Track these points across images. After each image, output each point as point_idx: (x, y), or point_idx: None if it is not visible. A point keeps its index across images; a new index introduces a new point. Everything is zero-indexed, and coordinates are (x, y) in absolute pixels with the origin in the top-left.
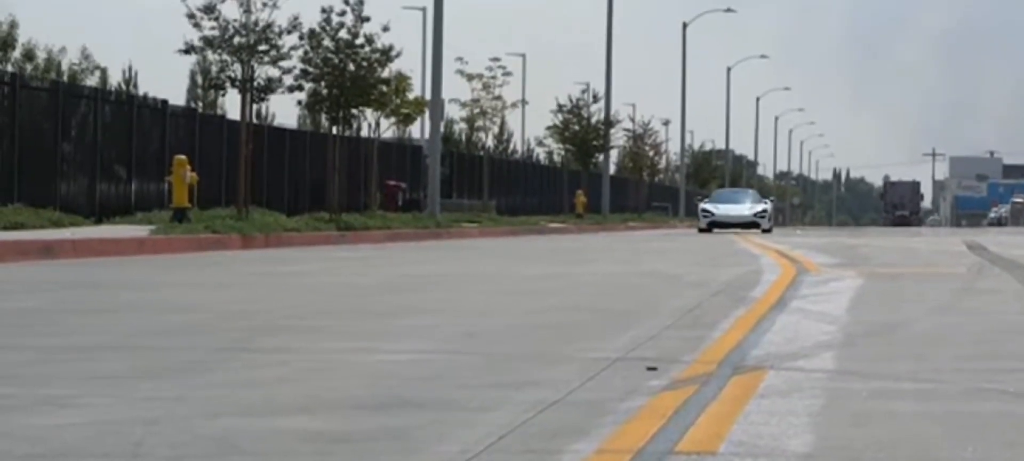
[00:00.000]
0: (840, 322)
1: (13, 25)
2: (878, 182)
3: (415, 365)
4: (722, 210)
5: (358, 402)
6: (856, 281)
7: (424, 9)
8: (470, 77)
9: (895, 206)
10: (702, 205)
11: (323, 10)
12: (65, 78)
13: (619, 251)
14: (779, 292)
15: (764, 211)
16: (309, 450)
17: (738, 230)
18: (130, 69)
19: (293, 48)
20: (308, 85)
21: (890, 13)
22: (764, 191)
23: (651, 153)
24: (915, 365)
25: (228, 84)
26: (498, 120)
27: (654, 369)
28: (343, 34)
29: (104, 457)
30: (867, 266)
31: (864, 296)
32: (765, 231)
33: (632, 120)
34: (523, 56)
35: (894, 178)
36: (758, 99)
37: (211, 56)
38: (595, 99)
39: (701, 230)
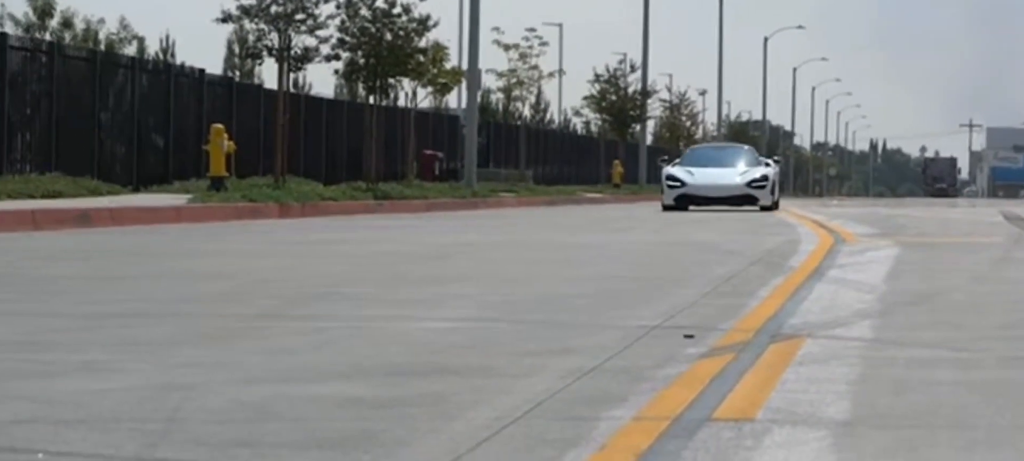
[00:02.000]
0: (877, 291)
1: None
2: (915, 153)
3: (452, 332)
4: (699, 177)
5: (396, 369)
6: (893, 250)
7: None
8: (507, 47)
9: (934, 179)
10: (668, 170)
11: None
12: (103, 47)
13: (656, 220)
14: (816, 261)
15: (763, 179)
16: (347, 416)
17: (723, 207)
18: (167, 38)
19: (330, 17)
20: (345, 54)
21: None
22: (799, 162)
23: (688, 123)
24: (953, 333)
25: (265, 53)
26: (535, 90)
27: (691, 337)
28: (380, 3)
29: (143, 422)
30: (904, 236)
31: (901, 265)
32: (765, 208)
33: (669, 90)
34: (560, 26)
35: (932, 154)
36: (795, 70)
37: (248, 25)
38: (632, 69)
39: (666, 207)
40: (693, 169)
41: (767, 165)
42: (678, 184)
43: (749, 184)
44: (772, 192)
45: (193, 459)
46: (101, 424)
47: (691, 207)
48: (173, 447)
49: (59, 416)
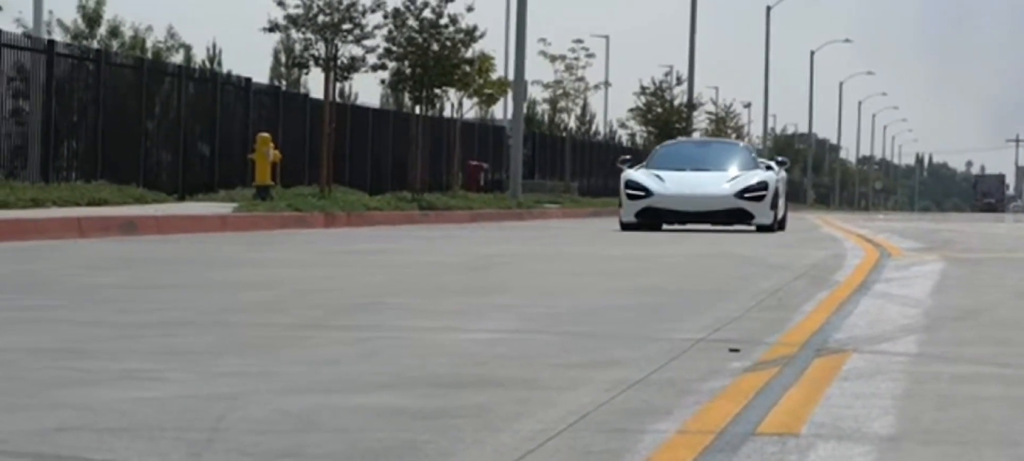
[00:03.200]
0: (923, 306)
1: (99, 2)
2: (961, 168)
3: (496, 344)
4: (672, 184)
5: (439, 380)
6: (939, 265)
7: None
8: (553, 58)
9: (984, 194)
10: (630, 174)
11: None
12: (150, 56)
13: (700, 233)
14: (862, 275)
15: (760, 187)
16: (390, 426)
17: (704, 226)
18: (214, 47)
19: (377, 27)
20: (392, 64)
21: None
22: (845, 176)
23: (733, 136)
24: (998, 349)
25: (312, 62)
26: (580, 101)
27: (737, 350)
28: (427, 14)
29: (187, 431)
30: (950, 251)
31: (947, 280)
32: (764, 228)
33: (714, 103)
34: (606, 38)
35: (978, 169)
36: (841, 83)
37: (295, 34)
38: (678, 81)
39: (626, 225)
40: (664, 173)
41: (768, 169)
42: (642, 193)
43: (741, 194)
44: (774, 205)
45: None
46: (145, 432)
47: (662, 225)
48: (217, 456)
49: (103, 424)
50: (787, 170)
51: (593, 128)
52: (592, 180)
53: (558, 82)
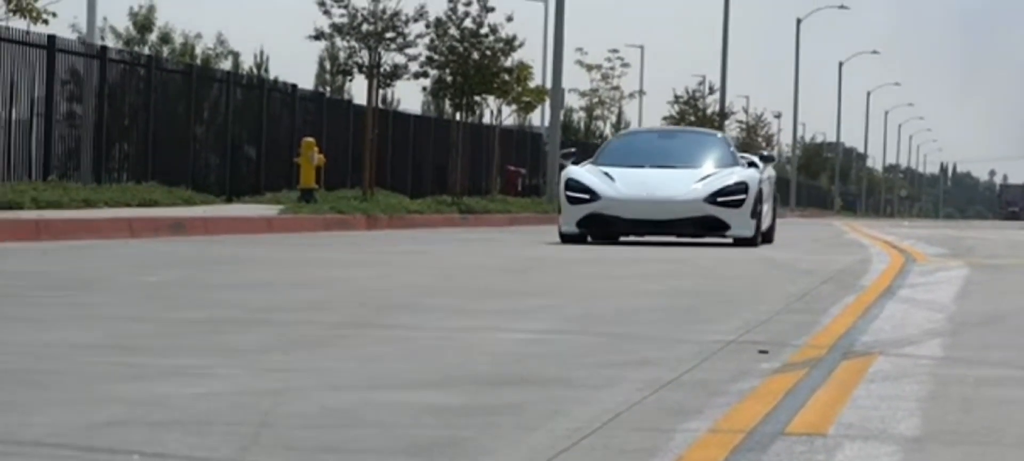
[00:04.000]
0: (947, 310)
1: (151, 9)
2: (984, 177)
3: (534, 344)
4: (624, 185)
5: (479, 378)
6: (962, 271)
7: (546, 1)
8: (589, 67)
9: (1007, 203)
10: (572, 172)
11: (449, 1)
12: (199, 62)
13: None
14: (888, 280)
15: (738, 189)
16: (432, 423)
17: (666, 236)
18: (261, 54)
19: (419, 36)
20: (433, 72)
21: (999, 10)
22: (872, 184)
23: (763, 144)
24: (1021, 354)
25: (355, 70)
26: (616, 110)
27: (765, 352)
28: (468, 23)
29: (235, 426)
30: (973, 257)
31: (971, 286)
32: (743, 241)
33: (746, 112)
34: (641, 48)
35: (1001, 177)
36: (869, 94)
37: (340, 42)
38: (711, 91)
39: (566, 236)
40: (616, 171)
41: (751, 166)
42: (585, 196)
43: (714, 198)
44: (756, 212)
45: None
46: (195, 427)
47: (607, 237)
48: (265, 451)
49: (153, 418)
50: (775, 167)
51: None
52: None
53: (594, 90)
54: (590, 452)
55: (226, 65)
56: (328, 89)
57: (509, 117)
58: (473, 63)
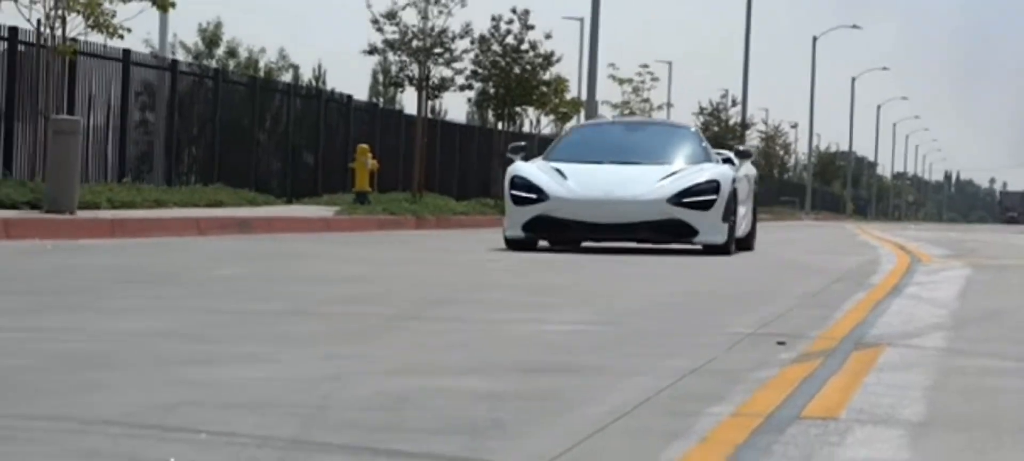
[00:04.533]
0: (950, 307)
1: (218, 26)
2: (985, 184)
3: (570, 335)
4: (577, 183)
5: (520, 366)
6: (965, 271)
7: (582, 20)
8: (621, 81)
9: (1006, 209)
10: (519, 170)
11: (493, 18)
12: (262, 74)
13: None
14: (895, 279)
15: (709, 189)
16: (477, 406)
17: (625, 242)
18: (320, 67)
19: (465, 51)
20: (477, 85)
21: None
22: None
23: (781, 153)
24: (1020, 347)
25: (406, 82)
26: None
27: (783, 344)
28: (510, 40)
29: (297, 408)
30: (975, 258)
31: (973, 285)
32: (713, 248)
33: (765, 123)
34: (669, 63)
35: (1001, 185)
36: (879, 107)
37: (392, 57)
38: (733, 103)
39: (510, 241)
40: (569, 167)
41: (726, 163)
42: (532, 196)
43: (679, 198)
44: (729, 215)
45: (343, 441)
46: (259, 408)
47: (562, 242)
48: (324, 430)
49: (222, 400)
50: (754, 163)
51: None
52: None
53: (626, 102)
54: (622, 433)
55: (287, 77)
56: (381, 100)
57: (547, 127)
58: (514, 77)
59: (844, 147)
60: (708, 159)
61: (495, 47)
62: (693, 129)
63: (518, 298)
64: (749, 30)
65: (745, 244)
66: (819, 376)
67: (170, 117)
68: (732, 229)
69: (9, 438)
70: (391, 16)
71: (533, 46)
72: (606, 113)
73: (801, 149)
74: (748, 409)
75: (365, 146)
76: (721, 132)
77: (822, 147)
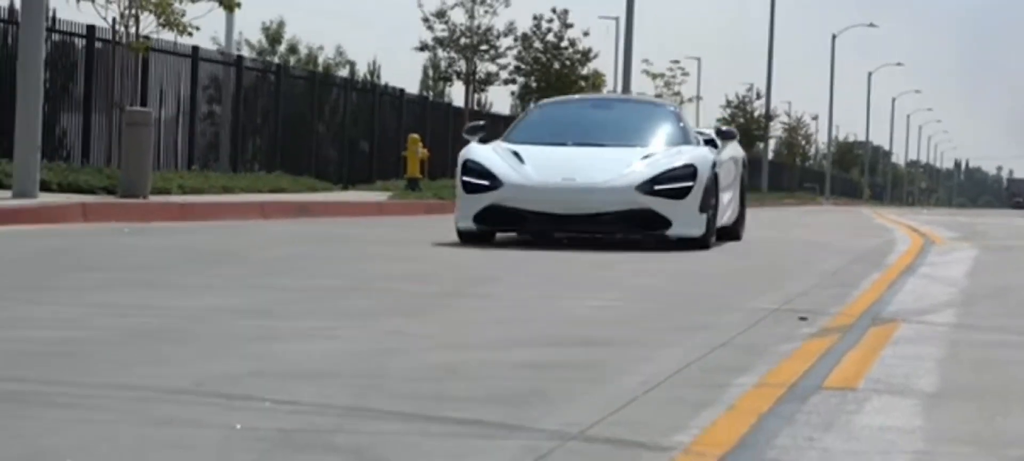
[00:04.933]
0: (961, 285)
1: (280, 25)
2: (993, 171)
3: (604, 311)
4: (535, 170)
5: (559, 340)
6: (974, 252)
7: (617, 19)
8: (654, 76)
9: (1013, 194)
10: (472, 153)
11: (534, 18)
12: (321, 70)
13: (775, 222)
14: (909, 259)
15: (685, 173)
16: (520, 377)
17: (591, 232)
18: (374, 63)
19: (509, 48)
20: (520, 79)
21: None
22: (896, 177)
23: (802, 142)
24: None
25: (454, 77)
26: None
27: (805, 319)
28: (550, 38)
29: (353, 378)
30: (983, 240)
31: (981, 264)
32: (688, 240)
33: (787, 115)
34: (698, 59)
35: (1007, 172)
36: (894, 100)
37: (441, 53)
38: (758, 96)
39: (462, 234)
40: (529, 150)
41: (709, 144)
42: (484, 183)
43: (651, 185)
44: (708, 205)
45: (396, 408)
46: (318, 379)
47: (523, 233)
48: (379, 398)
49: (283, 370)
50: (730, 140)
51: None
52: None
53: (658, 95)
54: (655, 401)
55: (344, 72)
56: (431, 93)
57: None
58: (554, 72)
59: (861, 137)
60: (687, 141)
61: (536, 44)
62: (671, 107)
63: (564, 277)
64: (773, 28)
65: (731, 233)
66: (838, 349)
67: (235, 109)
68: (712, 220)
69: (90, 406)
70: (440, 15)
71: (572, 43)
72: None
73: (821, 139)
74: (772, 380)
75: (416, 136)
76: (747, 123)
77: (841, 137)
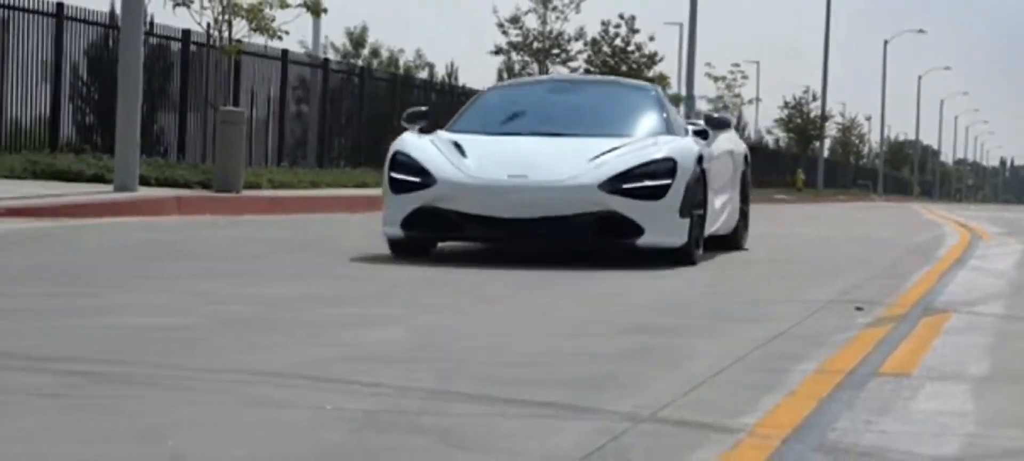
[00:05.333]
0: (1008, 277)
1: (364, 29)
2: None
3: (668, 297)
4: (477, 164)
5: (624, 328)
6: (1020, 246)
7: (681, 24)
8: (716, 79)
9: None
10: (403, 145)
11: (603, 23)
12: (402, 72)
13: (830, 218)
14: (958, 253)
15: (662, 169)
16: (593, 363)
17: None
18: (452, 65)
19: (579, 52)
20: None
21: None
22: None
23: (856, 142)
24: None
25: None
26: (737, 113)
27: (861, 309)
28: (618, 42)
29: (435, 363)
30: None
31: None
32: (666, 252)
33: (842, 116)
34: (757, 63)
35: None
36: (942, 101)
37: (515, 56)
38: (814, 98)
39: (392, 242)
40: (473, 140)
41: (697, 134)
42: (415, 180)
43: (616, 183)
44: (690, 208)
45: (479, 391)
46: (403, 364)
47: (452, 241)
48: (462, 381)
49: (368, 355)
50: (724, 128)
51: (746, 134)
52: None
53: (720, 97)
54: (722, 385)
55: (423, 74)
56: None
57: None
58: (622, 75)
59: (911, 137)
60: (669, 131)
61: (605, 48)
62: (653, 92)
63: (622, 268)
64: (828, 33)
65: (731, 242)
66: (893, 338)
67: (322, 109)
68: (696, 227)
69: (188, 388)
70: (514, 20)
71: (638, 47)
72: (702, 106)
73: (874, 139)
74: (831, 367)
75: None
76: (803, 123)
77: (892, 137)
